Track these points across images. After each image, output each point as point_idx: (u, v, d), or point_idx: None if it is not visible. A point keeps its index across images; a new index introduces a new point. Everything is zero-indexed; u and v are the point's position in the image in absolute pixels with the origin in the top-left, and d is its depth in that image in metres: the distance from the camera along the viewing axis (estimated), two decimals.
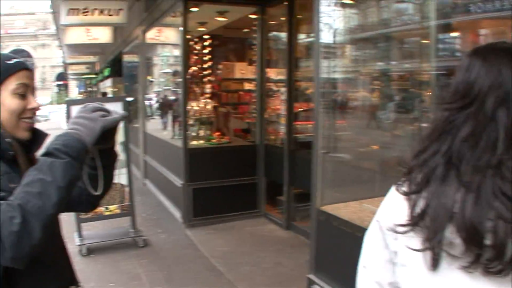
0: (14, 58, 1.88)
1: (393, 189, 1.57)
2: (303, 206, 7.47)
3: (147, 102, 14.43)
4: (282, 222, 8.30)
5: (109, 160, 2.09)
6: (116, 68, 18.78)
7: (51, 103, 61.39)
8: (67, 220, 6.98)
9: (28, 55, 69.96)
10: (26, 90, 1.87)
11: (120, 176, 7.55)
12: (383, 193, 1.62)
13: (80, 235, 7.31)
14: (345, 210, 4.86)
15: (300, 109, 8.04)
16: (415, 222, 1.42)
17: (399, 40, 7.20)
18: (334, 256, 4.85)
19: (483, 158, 1.32)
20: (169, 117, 12.32)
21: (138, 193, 10.15)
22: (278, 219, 8.45)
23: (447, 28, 5.91)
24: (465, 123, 1.38)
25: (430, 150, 1.43)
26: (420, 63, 5.56)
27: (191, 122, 9.10)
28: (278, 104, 8.70)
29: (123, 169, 7.59)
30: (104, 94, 24.86)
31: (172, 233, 8.23)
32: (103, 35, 14.79)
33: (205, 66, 10.90)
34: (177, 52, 9.26)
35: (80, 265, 6.50)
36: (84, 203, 2.18)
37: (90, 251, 7.24)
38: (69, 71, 39.89)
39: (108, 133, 1.90)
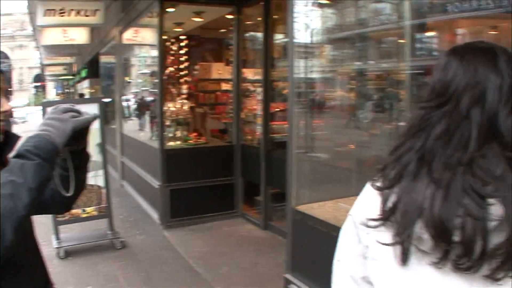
0: None
1: (368, 185, 1.58)
2: (280, 206, 7.47)
3: (124, 103, 14.36)
4: (259, 222, 8.31)
5: (81, 161, 2.08)
6: (93, 69, 18.72)
7: (28, 104, 60.83)
8: (44, 222, 6.98)
9: (6, 57, 69.27)
10: None
11: (97, 178, 7.52)
12: (359, 192, 1.64)
13: (57, 238, 7.26)
14: (320, 210, 4.89)
15: (276, 109, 8.05)
16: (386, 216, 1.44)
17: (376, 39, 7.23)
18: (310, 255, 4.86)
19: (455, 156, 1.34)
20: (147, 118, 12.27)
21: (115, 194, 10.11)
22: (256, 219, 8.47)
23: (424, 27, 5.95)
24: (440, 121, 1.39)
25: (404, 147, 1.45)
26: (397, 63, 5.60)
27: (168, 123, 9.08)
28: (255, 104, 8.69)
29: (100, 170, 7.55)
30: (82, 95, 24.71)
31: (149, 234, 8.21)
32: (80, 36, 14.68)
33: (182, 66, 10.86)
34: (154, 52, 9.24)
35: (58, 268, 6.50)
36: (57, 205, 2.17)
37: (68, 254, 7.19)
38: (47, 72, 39.55)
39: (79, 134, 1.89)
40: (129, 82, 16.00)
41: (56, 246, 7.17)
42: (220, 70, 11.85)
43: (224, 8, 8.96)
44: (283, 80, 7.91)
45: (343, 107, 7.04)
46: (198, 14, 9.40)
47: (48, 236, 7.24)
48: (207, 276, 6.43)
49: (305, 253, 4.95)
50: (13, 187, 1.59)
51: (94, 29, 14.88)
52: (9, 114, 1.91)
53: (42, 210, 2.07)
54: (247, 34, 9.17)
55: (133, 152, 11.25)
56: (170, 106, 9.31)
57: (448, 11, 5.13)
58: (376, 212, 1.47)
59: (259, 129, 8.35)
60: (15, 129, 2.03)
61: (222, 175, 8.75)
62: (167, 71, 9.97)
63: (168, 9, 8.68)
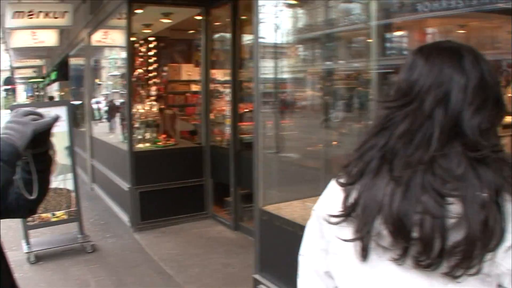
0: None
1: (333, 181, 1.59)
2: (250, 207, 7.46)
3: (95, 106, 14.27)
4: (230, 223, 8.31)
5: (44, 164, 2.07)
6: (63, 71, 18.58)
7: None
8: (14, 227, 6.95)
9: None
10: None
11: (66, 181, 7.44)
12: None
13: (27, 243, 7.17)
14: (288, 210, 4.89)
15: (245, 110, 8.05)
16: (347, 213, 1.46)
17: (346, 39, 7.25)
18: (278, 255, 4.86)
19: (416, 155, 1.35)
20: (117, 121, 12.21)
21: (86, 198, 10.08)
22: (226, 220, 8.46)
23: (394, 27, 5.98)
24: (403, 120, 1.40)
25: (368, 145, 1.46)
26: (367, 62, 5.63)
27: (137, 125, 9.03)
28: (224, 105, 8.69)
29: (69, 174, 7.47)
30: (51, 98, 24.57)
31: (120, 237, 8.16)
32: (49, 38, 14.54)
33: (150, 68, 10.80)
34: (124, 54, 9.19)
35: (28, 273, 6.47)
36: (22, 209, 2.15)
37: (39, 258, 7.11)
38: (17, 75, 39.18)
39: (41, 137, 1.89)
40: (100, 84, 15.92)
41: (27, 251, 7.08)
42: (189, 72, 11.83)
43: (192, 9, 8.94)
44: (252, 80, 7.93)
45: (314, 107, 7.05)
46: (166, 15, 9.36)
47: (18, 241, 7.18)
48: (178, 278, 6.41)
49: (273, 253, 4.96)
50: None
51: (63, 31, 14.76)
52: None
53: (7, 214, 2.04)
54: (215, 35, 9.16)
55: (103, 155, 11.17)
56: (139, 108, 9.26)
57: (418, 10, 5.17)
58: (338, 208, 1.48)
59: (228, 130, 8.35)
60: None
61: (192, 177, 8.74)
62: (135, 73, 9.91)
63: (136, 11, 8.64)
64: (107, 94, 16.01)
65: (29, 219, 6.94)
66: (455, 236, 1.28)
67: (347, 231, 1.46)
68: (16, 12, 11.45)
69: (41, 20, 11.74)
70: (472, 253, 1.28)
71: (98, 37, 11.93)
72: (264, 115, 5.71)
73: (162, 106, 10.40)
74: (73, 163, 7.54)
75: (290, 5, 7.05)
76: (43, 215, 7.22)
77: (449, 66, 1.39)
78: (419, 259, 1.32)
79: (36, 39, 13.99)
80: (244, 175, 7.67)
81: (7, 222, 1.87)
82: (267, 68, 6.23)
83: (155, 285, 6.30)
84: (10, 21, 11.67)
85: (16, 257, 6.79)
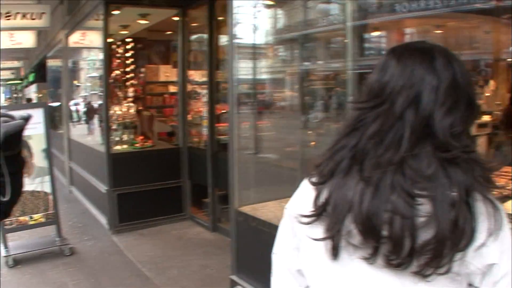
0: None
1: (305, 180, 1.60)
2: (228, 208, 7.46)
3: (73, 107, 14.19)
4: (208, 224, 8.31)
5: (16, 166, 2.05)
6: (41, 73, 18.47)
7: None
8: None
9: None
10: None
11: (44, 184, 7.39)
12: None
13: (5, 246, 7.12)
14: (263, 210, 4.89)
15: (223, 111, 8.03)
16: (318, 212, 1.46)
17: (324, 40, 7.26)
18: (254, 256, 4.86)
19: (386, 155, 1.35)
20: (95, 122, 12.15)
21: (64, 200, 10.03)
22: (204, 222, 8.46)
23: (372, 27, 6.00)
24: (374, 121, 1.41)
25: (339, 145, 1.46)
26: (345, 63, 5.64)
27: (114, 126, 8.99)
28: (201, 106, 8.69)
29: (46, 176, 7.42)
30: (29, 100, 24.39)
31: (98, 240, 8.12)
32: (27, 40, 14.46)
33: (128, 69, 10.76)
34: (101, 55, 9.15)
35: (7, 277, 6.43)
36: None
37: (17, 262, 7.04)
38: None
39: (13, 139, 1.87)
40: (78, 86, 15.83)
41: (5, 255, 7.03)
42: (167, 73, 11.81)
43: (169, 10, 8.94)
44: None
45: (292, 108, 7.06)
46: (143, 16, 9.32)
47: None
48: (157, 280, 6.39)
49: (250, 254, 4.96)
50: None
51: (41, 33, 14.68)
52: None
53: None
54: (193, 36, 9.15)
55: (81, 157, 11.10)
56: (116, 110, 9.22)
57: (397, 11, 5.18)
58: (310, 207, 1.49)
59: (205, 131, 8.35)
60: None
61: (169, 178, 8.73)
62: (113, 74, 9.87)
63: (113, 12, 8.60)
64: (85, 95, 15.93)
65: (7, 222, 6.91)
66: (425, 235, 1.29)
67: (318, 230, 1.47)
68: None
69: (18, 21, 11.68)
70: (441, 252, 1.29)
71: (75, 39, 11.86)
72: (242, 116, 5.72)
73: (140, 108, 10.36)
74: (50, 165, 7.48)
75: (269, 6, 7.05)
76: (21, 218, 7.17)
77: (421, 67, 1.40)
78: (390, 258, 1.33)
79: (13, 41, 13.91)
80: (222, 176, 7.64)
81: None
82: (245, 69, 6.22)
83: (133, 287, 6.28)
84: None
85: None
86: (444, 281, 1.35)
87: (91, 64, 15.00)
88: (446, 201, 1.29)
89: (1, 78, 34.99)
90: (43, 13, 11.80)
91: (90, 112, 13.51)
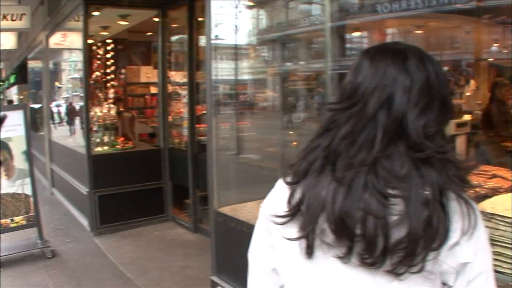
0: None
1: (280, 180, 1.60)
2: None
3: (55, 109, 14.12)
4: (189, 225, 8.31)
5: None
6: (22, 74, 18.36)
7: None
8: None
9: None
10: None
11: (25, 186, 7.35)
12: None
13: None
14: (243, 211, 4.88)
15: (203, 112, 8.03)
16: (292, 213, 1.47)
17: (306, 40, 7.27)
18: (233, 256, 4.86)
19: (359, 156, 1.36)
20: (76, 124, 12.09)
21: (46, 202, 10.01)
22: (186, 223, 8.45)
23: (352, 27, 6.01)
24: (347, 122, 1.41)
25: (313, 145, 1.47)
26: (326, 63, 5.66)
27: (95, 128, 8.96)
28: (182, 107, 8.68)
29: (27, 179, 7.39)
30: (10, 101, 24.25)
31: (80, 242, 8.09)
32: (8, 41, 14.36)
33: (108, 70, 10.73)
34: (81, 57, 9.10)
35: None
36: None
37: None
38: None
39: None
40: (60, 87, 15.74)
41: None
42: (148, 74, 11.79)
43: (149, 11, 8.92)
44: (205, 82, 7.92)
45: (274, 108, 7.07)
46: (123, 17, 9.28)
47: None
48: (139, 282, 6.38)
49: (229, 255, 4.95)
50: None
51: (21, 34, 14.61)
52: None
53: None
54: (173, 37, 9.14)
55: (62, 159, 11.04)
56: (97, 111, 9.18)
57: (378, 11, 5.20)
58: (284, 206, 1.49)
59: (186, 132, 8.35)
60: None
61: (150, 179, 8.72)
62: (93, 76, 9.84)
63: (93, 13, 8.57)
64: (67, 97, 15.84)
65: None
66: (398, 234, 1.30)
67: (292, 229, 1.47)
68: None
69: None
70: (414, 251, 1.29)
71: (56, 40, 11.80)
72: (224, 116, 5.72)
73: (121, 109, 10.34)
74: (30, 167, 7.45)
75: (250, 6, 7.05)
76: (2, 220, 7.11)
77: (393, 68, 1.40)
78: (364, 256, 1.34)
79: None
80: (202, 177, 7.59)
81: None
82: (226, 70, 6.23)
83: None
84: None
85: None
86: (418, 279, 1.36)
87: (72, 66, 14.91)
88: (419, 200, 1.29)
89: None
90: (23, 14, 11.72)
91: (71, 113, 13.46)
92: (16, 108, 8.45)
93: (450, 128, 4.17)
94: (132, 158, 8.81)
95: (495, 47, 8.67)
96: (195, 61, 8.04)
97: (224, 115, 6.44)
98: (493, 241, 2.52)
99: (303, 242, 1.45)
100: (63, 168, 10.76)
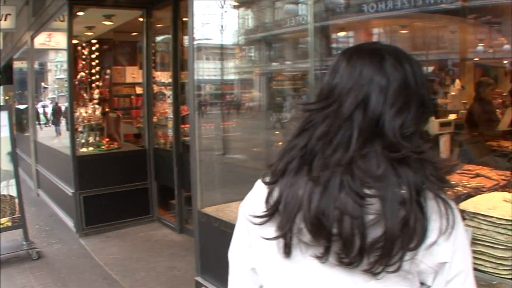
0: None
1: (259, 180, 1.60)
2: None
3: (41, 110, 14.06)
4: (175, 225, 8.31)
5: None
6: (7, 75, 18.25)
7: None
8: None
9: None
10: None
11: (10, 188, 7.32)
12: None
13: None
14: (226, 211, 4.88)
15: (188, 112, 8.02)
16: (270, 213, 1.46)
17: (292, 40, 7.29)
18: (217, 256, 4.84)
19: (335, 156, 1.35)
20: (62, 124, 12.03)
21: (32, 203, 9.99)
22: (172, 223, 8.45)
23: (338, 27, 6.02)
24: (323, 122, 1.40)
25: (290, 145, 1.47)
26: (311, 63, 5.66)
27: (80, 128, 8.93)
28: (167, 108, 8.66)
29: (12, 180, 7.35)
30: None
31: (66, 243, 8.06)
32: None
33: (93, 71, 10.69)
34: (67, 57, 9.07)
35: None
36: None
37: None
38: None
39: None
40: (46, 87, 15.67)
41: None
42: (134, 74, 11.73)
43: (134, 11, 8.90)
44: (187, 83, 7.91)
45: (260, 108, 7.07)
46: (108, 17, 9.25)
47: None
48: (124, 283, 6.38)
49: (213, 255, 4.94)
50: None
51: (7, 34, 14.55)
52: None
53: None
54: (159, 37, 9.13)
55: (47, 160, 10.99)
56: (82, 112, 9.15)
57: (364, 11, 5.21)
58: (262, 206, 1.49)
59: (171, 133, 8.34)
60: None
61: (136, 180, 8.72)
62: (78, 76, 9.80)
63: (77, 13, 8.53)
64: (53, 97, 15.77)
65: None
66: (374, 233, 1.29)
67: (270, 229, 1.47)
68: None
69: None
70: (391, 250, 1.29)
71: (41, 40, 11.74)
72: (210, 116, 5.71)
73: (107, 109, 10.31)
74: (15, 168, 7.41)
75: (236, 7, 7.05)
76: None
77: (370, 68, 1.40)
78: (341, 256, 1.33)
79: None
80: (188, 177, 7.55)
81: None
82: (212, 70, 6.23)
83: None
84: None
85: None
86: (395, 279, 1.35)
87: (58, 66, 14.87)
88: (396, 199, 1.29)
89: None
90: (8, 14, 11.67)
91: (57, 114, 13.39)
92: (0, 109, 8.41)
93: (434, 128, 4.19)
94: (117, 158, 8.78)
95: (480, 46, 8.72)
96: (180, 61, 8.03)
97: (210, 115, 6.43)
98: (475, 241, 2.54)
99: (281, 242, 1.45)
100: (49, 169, 10.71)
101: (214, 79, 7.18)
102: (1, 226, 7.29)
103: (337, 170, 1.33)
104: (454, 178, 3.24)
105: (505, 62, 9.57)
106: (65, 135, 10.38)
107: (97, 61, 10.77)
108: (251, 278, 1.66)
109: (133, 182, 8.67)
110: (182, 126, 8.04)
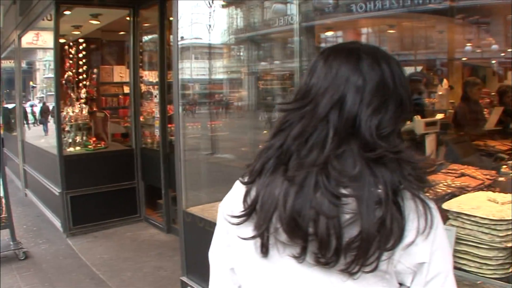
0: None
1: (237, 180, 1.60)
2: None
3: (29, 109, 14.02)
4: (162, 225, 8.30)
5: None
6: None
7: None
8: None
9: None
10: None
11: None
12: None
13: None
14: (211, 211, 4.88)
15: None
16: (248, 213, 1.46)
17: (281, 40, 7.30)
18: (202, 256, 4.81)
19: (310, 156, 1.35)
20: (50, 124, 12.01)
21: (19, 203, 9.96)
22: (159, 223, 8.45)
23: (325, 27, 6.03)
24: (299, 122, 1.40)
25: (267, 145, 1.46)
26: (297, 62, 5.67)
27: (67, 128, 8.90)
28: (154, 107, 8.63)
29: None
30: None
31: (53, 243, 8.03)
32: None
33: (81, 70, 10.65)
34: (53, 56, 9.04)
35: None
36: None
37: None
38: None
39: None
40: (34, 87, 15.64)
41: None
42: (122, 73, 11.69)
43: (121, 11, 8.89)
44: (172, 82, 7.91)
45: (249, 107, 7.07)
46: (95, 17, 9.22)
47: None
48: (111, 283, 6.36)
49: (198, 255, 4.93)
50: None
51: None
52: None
53: None
54: (146, 37, 9.11)
55: (35, 160, 10.97)
56: (69, 111, 9.13)
57: (353, 11, 5.22)
58: (240, 206, 1.49)
59: (158, 132, 8.32)
60: None
61: (123, 180, 8.70)
62: (65, 75, 9.76)
63: (64, 12, 8.50)
64: (41, 97, 15.75)
65: None
66: (350, 233, 1.29)
67: (248, 229, 1.47)
68: None
69: None
70: (367, 250, 1.28)
71: (28, 39, 11.73)
72: (198, 116, 5.70)
73: (94, 109, 10.28)
74: (2, 168, 7.37)
75: (224, 6, 7.05)
76: None
77: (346, 68, 1.40)
78: (318, 255, 1.33)
79: None
80: (175, 177, 7.61)
81: None
82: (201, 69, 6.22)
83: None
84: None
85: None
86: (372, 279, 1.35)
87: (47, 65, 14.84)
88: (372, 199, 1.28)
89: None
90: None
91: (45, 113, 13.36)
92: None
93: (420, 127, 4.19)
94: (105, 158, 8.77)
95: (468, 46, 8.76)
96: (167, 60, 8.01)
97: (198, 114, 6.42)
98: (459, 240, 2.54)
99: (258, 241, 1.44)
100: (36, 169, 10.68)
101: (202, 79, 7.18)
102: None
103: (312, 170, 1.33)
104: (438, 178, 3.26)
105: (493, 62, 9.64)
106: (53, 134, 10.36)
107: (84, 60, 10.72)
108: (231, 278, 1.65)
109: (120, 181, 8.65)
110: (169, 125, 8.00)
